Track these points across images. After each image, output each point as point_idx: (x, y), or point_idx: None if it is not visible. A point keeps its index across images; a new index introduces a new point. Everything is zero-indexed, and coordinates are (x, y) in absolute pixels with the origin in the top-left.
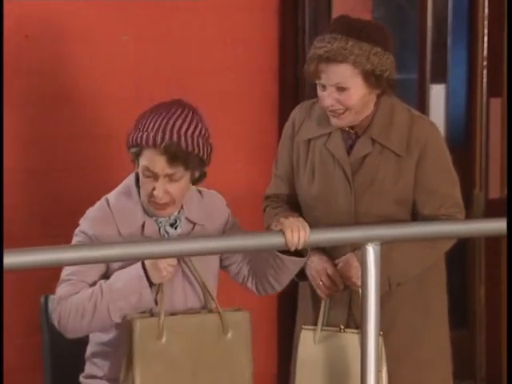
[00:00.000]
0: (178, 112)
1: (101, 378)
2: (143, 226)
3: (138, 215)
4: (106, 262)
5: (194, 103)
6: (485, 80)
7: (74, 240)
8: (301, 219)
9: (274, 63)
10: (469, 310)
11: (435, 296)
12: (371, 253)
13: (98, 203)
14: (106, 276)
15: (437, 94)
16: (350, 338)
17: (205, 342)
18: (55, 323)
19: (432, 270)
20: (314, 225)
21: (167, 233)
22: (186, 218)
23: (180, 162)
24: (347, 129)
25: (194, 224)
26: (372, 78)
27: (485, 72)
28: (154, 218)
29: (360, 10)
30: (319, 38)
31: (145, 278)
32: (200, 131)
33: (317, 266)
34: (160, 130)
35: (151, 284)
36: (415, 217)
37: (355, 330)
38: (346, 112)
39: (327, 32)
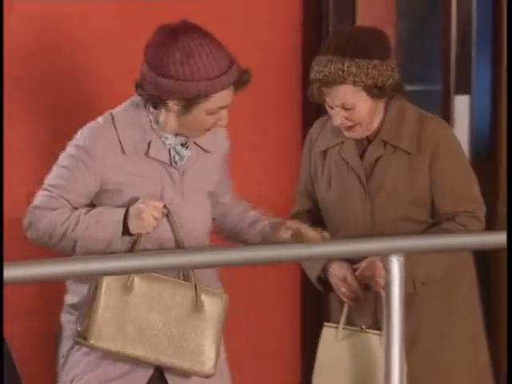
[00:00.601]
0: (214, 40)
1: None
2: (149, 144)
3: (145, 134)
4: (112, 275)
5: None
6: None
7: (68, 153)
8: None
9: (297, 73)
10: (492, 320)
11: (463, 300)
12: (395, 264)
13: (101, 119)
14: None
15: (461, 105)
16: (371, 338)
17: (174, 310)
18: (24, 227)
19: (459, 272)
20: (333, 232)
21: (178, 153)
22: (194, 143)
23: (245, 83)
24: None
25: (201, 148)
26: (375, 90)
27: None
28: (163, 139)
29: (383, 23)
30: (317, 59)
31: (121, 225)
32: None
33: (338, 273)
34: (229, 68)
35: (128, 233)
36: (435, 217)
37: (377, 331)
38: (356, 126)
39: (323, 53)
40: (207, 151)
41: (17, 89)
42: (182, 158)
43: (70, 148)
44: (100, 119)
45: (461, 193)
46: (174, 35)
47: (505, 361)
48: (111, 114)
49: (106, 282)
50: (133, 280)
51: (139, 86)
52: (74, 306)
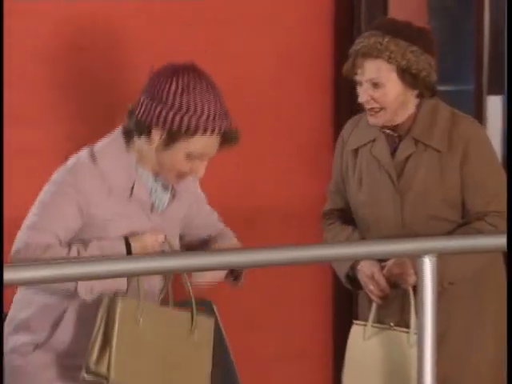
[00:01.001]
0: (215, 88)
1: (36, 346)
2: (133, 186)
3: (129, 175)
4: (116, 277)
5: (248, 116)
6: None
7: (50, 190)
8: None
9: (328, 75)
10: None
11: (493, 301)
12: (428, 265)
13: (84, 156)
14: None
15: (494, 105)
16: (400, 336)
17: (175, 336)
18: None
19: (489, 272)
20: (365, 230)
21: (158, 197)
22: (172, 187)
23: (231, 142)
24: (389, 132)
25: (175, 191)
26: (407, 75)
27: None
28: (144, 181)
29: (415, 22)
30: (360, 36)
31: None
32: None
33: (366, 271)
34: (220, 117)
35: None
36: (465, 217)
37: (405, 329)
38: (381, 111)
39: (369, 28)
40: (182, 197)
41: (51, 89)
42: (161, 202)
43: (52, 186)
44: (82, 157)
45: (491, 192)
46: (177, 70)
47: None
48: (93, 151)
49: (119, 315)
50: (142, 311)
51: (130, 113)
52: (27, 323)
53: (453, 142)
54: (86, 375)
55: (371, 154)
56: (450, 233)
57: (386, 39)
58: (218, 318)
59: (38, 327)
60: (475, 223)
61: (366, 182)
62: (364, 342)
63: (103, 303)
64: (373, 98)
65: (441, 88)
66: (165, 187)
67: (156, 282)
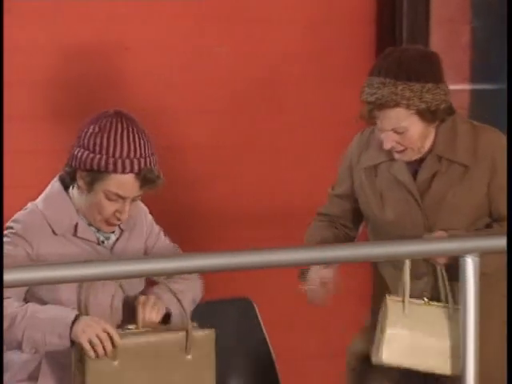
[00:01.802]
0: (134, 130)
1: None
2: (76, 226)
3: (70, 217)
4: (118, 279)
5: (287, 115)
6: None
7: (6, 241)
8: None
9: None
10: None
11: (499, 308)
12: (470, 264)
13: (28, 208)
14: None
15: None
16: (436, 310)
17: (163, 363)
18: None
19: (496, 280)
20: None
21: (102, 235)
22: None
23: (151, 183)
24: None
25: (122, 230)
26: (428, 114)
27: None
28: (87, 221)
29: (458, 20)
30: (368, 80)
31: (69, 329)
32: (152, 147)
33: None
34: (135, 154)
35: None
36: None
37: (441, 303)
38: (407, 150)
39: (374, 74)
40: (132, 235)
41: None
42: (108, 240)
43: (10, 238)
44: (27, 207)
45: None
46: (100, 115)
47: None
48: (35, 204)
49: (90, 376)
50: (116, 347)
51: (66, 163)
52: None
53: (478, 156)
54: None
55: (390, 173)
56: (493, 233)
57: (400, 87)
58: (259, 317)
59: None
60: (498, 224)
61: (389, 202)
62: (404, 317)
63: (72, 358)
64: (398, 143)
65: (483, 87)
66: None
67: (106, 296)
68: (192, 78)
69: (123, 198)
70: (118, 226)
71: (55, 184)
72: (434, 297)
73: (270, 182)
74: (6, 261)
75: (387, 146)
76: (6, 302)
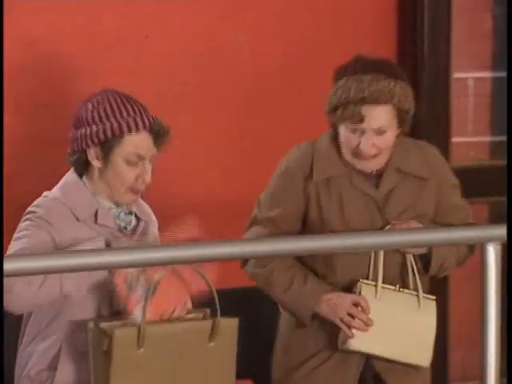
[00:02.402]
0: (130, 96)
1: None
2: (96, 213)
3: (90, 204)
4: (123, 267)
5: (304, 102)
6: None
7: (28, 224)
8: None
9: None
10: None
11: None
12: (492, 253)
13: (48, 196)
14: None
15: None
16: (410, 298)
17: (187, 351)
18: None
19: None
20: (345, 260)
21: (122, 221)
22: (134, 212)
23: (163, 138)
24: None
25: (139, 219)
26: (406, 117)
27: None
28: (106, 208)
29: (480, 9)
30: (353, 78)
31: None
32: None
33: (345, 300)
34: (141, 113)
35: None
36: None
37: (413, 292)
38: (377, 156)
39: (358, 73)
40: (142, 219)
41: None
42: (129, 224)
43: (28, 221)
44: (45, 196)
45: (467, 213)
46: (90, 96)
47: None
48: (52, 193)
49: (116, 340)
50: (144, 335)
51: (70, 154)
52: (29, 374)
53: (429, 168)
54: None
55: (352, 185)
56: None
57: (392, 83)
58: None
59: (40, 376)
60: None
61: (351, 213)
62: (376, 301)
63: (89, 333)
64: (374, 146)
65: (505, 75)
66: (127, 212)
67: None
68: (209, 70)
69: (143, 159)
70: (135, 215)
71: (70, 175)
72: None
73: None
74: (29, 242)
75: (366, 149)
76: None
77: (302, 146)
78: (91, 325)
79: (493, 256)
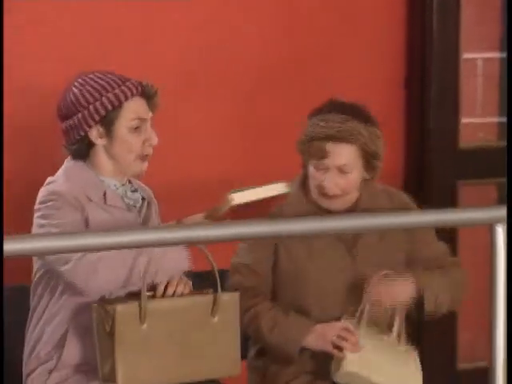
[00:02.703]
0: (93, 73)
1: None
2: (105, 195)
3: (97, 186)
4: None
5: (317, 89)
6: None
7: (50, 213)
8: None
9: (400, 41)
10: None
11: None
12: (500, 233)
13: (54, 181)
14: None
15: None
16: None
17: (190, 325)
18: (75, 278)
19: None
20: (307, 301)
21: (130, 199)
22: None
23: (154, 100)
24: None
25: (143, 198)
26: (371, 162)
27: None
28: (112, 188)
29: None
30: (321, 117)
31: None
32: None
33: (334, 327)
34: (128, 80)
35: None
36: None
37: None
38: (340, 197)
39: (327, 112)
40: (145, 198)
41: None
42: (136, 202)
43: (47, 210)
44: (50, 182)
45: (442, 249)
46: (68, 85)
47: None
48: (56, 179)
49: (120, 319)
50: (145, 312)
51: (65, 147)
52: (38, 353)
53: (395, 206)
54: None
55: None
56: None
57: (360, 126)
58: None
59: (48, 356)
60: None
61: (318, 253)
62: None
63: (93, 313)
64: (337, 185)
65: None
66: (133, 189)
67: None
68: (215, 59)
69: (145, 122)
70: (135, 188)
71: (70, 162)
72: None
73: None
74: (63, 230)
75: (328, 185)
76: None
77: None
78: (95, 305)
79: (501, 237)
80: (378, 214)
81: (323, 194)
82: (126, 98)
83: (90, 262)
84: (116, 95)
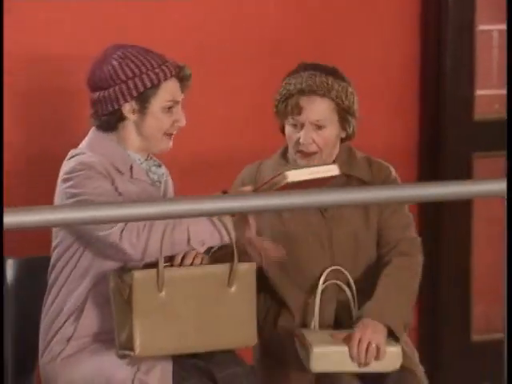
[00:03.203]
0: (134, 46)
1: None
2: (131, 168)
3: (124, 160)
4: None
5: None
6: None
7: (83, 183)
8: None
9: (416, 14)
10: None
11: None
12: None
13: (81, 153)
14: None
15: None
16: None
17: (208, 295)
18: (125, 244)
19: None
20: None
21: (154, 174)
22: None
23: (188, 82)
24: None
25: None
26: (348, 116)
27: None
28: (139, 162)
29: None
30: (293, 76)
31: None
32: None
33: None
34: (167, 60)
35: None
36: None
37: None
38: (316, 154)
39: (299, 71)
40: (166, 174)
41: None
42: (160, 176)
43: (79, 182)
44: (75, 155)
45: (406, 222)
46: (105, 55)
47: None
48: (83, 150)
49: (137, 287)
50: (163, 279)
51: (93, 117)
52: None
53: (373, 174)
54: (119, 351)
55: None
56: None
57: (330, 79)
58: None
59: (66, 325)
60: (394, 261)
61: (293, 220)
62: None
63: (110, 281)
64: (314, 141)
65: None
66: (157, 165)
67: None
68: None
69: (177, 103)
70: (158, 163)
71: (96, 133)
72: (344, 319)
73: None
74: (97, 199)
75: (305, 140)
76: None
77: (249, 167)
78: (112, 274)
79: (505, 208)
80: (384, 186)
81: (300, 152)
82: (165, 79)
83: (137, 227)
84: (156, 74)
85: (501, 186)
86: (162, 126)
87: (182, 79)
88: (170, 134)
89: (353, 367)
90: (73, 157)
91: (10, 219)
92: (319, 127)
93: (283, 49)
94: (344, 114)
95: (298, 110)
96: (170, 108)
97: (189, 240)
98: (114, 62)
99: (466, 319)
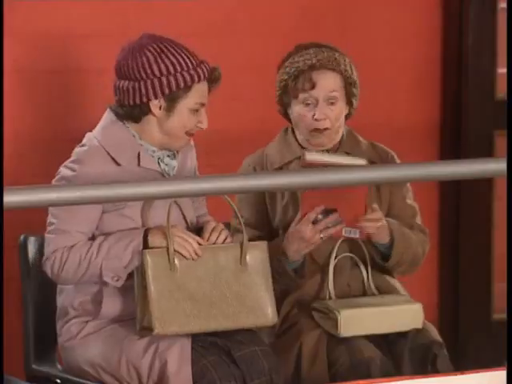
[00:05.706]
0: (171, 41)
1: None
2: (139, 156)
3: (132, 148)
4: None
5: (354, 37)
6: None
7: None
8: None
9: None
10: None
11: None
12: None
13: (86, 144)
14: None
15: None
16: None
17: (219, 274)
18: (47, 271)
19: None
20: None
21: (166, 164)
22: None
23: (216, 84)
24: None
25: (181, 160)
26: (353, 90)
27: None
28: (150, 152)
29: None
30: (300, 53)
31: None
32: None
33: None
34: (201, 62)
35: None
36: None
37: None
38: (327, 130)
39: (304, 48)
40: (186, 164)
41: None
42: (171, 168)
43: (61, 182)
44: (84, 145)
45: (414, 211)
46: (139, 44)
47: None
48: (92, 136)
49: (150, 267)
50: (174, 259)
51: (117, 105)
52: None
53: (380, 156)
54: (139, 330)
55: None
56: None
57: (337, 54)
58: None
59: (84, 312)
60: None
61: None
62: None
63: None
64: (328, 117)
65: None
66: (171, 155)
67: (163, 213)
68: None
69: (203, 106)
70: (173, 153)
71: (109, 115)
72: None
73: None
74: (73, 211)
75: (321, 116)
76: (74, 248)
77: (253, 155)
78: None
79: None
80: (401, 164)
81: (315, 129)
82: (199, 81)
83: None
84: (191, 76)
85: None
86: (186, 125)
87: (212, 81)
88: (192, 134)
89: (379, 329)
90: (78, 148)
91: (9, 198)
92: (332, 103)
93: (306, 19)
94: (350, 88)
95: (311, 84)
96: (196, 110)
97: (101, 274)
98: (149, 55)
99: (487, 298)
